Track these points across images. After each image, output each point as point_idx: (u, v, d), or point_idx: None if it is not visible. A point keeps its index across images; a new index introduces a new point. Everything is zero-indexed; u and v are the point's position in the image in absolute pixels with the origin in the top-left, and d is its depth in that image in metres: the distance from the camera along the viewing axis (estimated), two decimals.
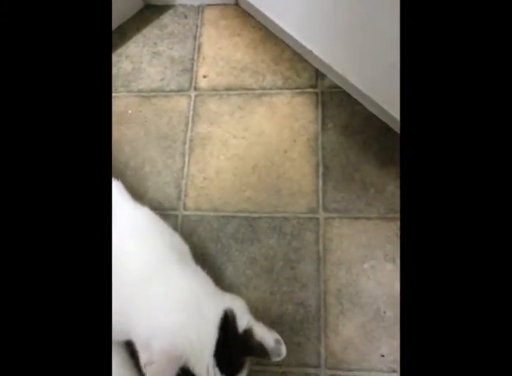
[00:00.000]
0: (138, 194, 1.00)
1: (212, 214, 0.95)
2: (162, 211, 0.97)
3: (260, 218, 0.93)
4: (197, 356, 0.63)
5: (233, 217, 0.94)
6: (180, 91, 1.08)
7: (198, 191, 0.98)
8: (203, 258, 0.91)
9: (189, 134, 1.04)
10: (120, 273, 0.68)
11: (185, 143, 1.03)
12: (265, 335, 0.68)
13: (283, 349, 0.68)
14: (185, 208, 0.97)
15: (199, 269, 0.76)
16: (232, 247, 0.91)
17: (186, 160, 1.02)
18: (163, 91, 1.09)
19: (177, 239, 0.79)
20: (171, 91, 1.09)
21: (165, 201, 0.98)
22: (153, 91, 1.09)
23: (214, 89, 1.07)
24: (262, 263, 0.89)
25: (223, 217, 0.94)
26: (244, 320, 0.68)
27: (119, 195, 0.79)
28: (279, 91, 1.05)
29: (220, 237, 0.92)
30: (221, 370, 0.65)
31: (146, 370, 0.62)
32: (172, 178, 1.00)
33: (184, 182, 1.00)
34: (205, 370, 0.64)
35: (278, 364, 0.81)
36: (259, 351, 0.68)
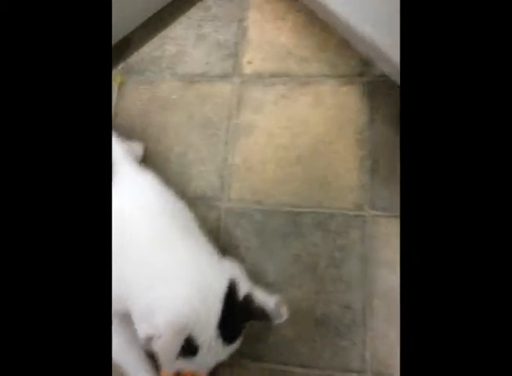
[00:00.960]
0: (182, 181, 0.91)
1: (256, 206, 0.85)
2: (206, 200, 0.89)
3: (304, 213, 0.82)
4: (202, 328, 0.58)
5: (277, 211, 0.84)
6: (224, 76, 0.97)
7: (242, 182, 0.88)
8: (247, 252, 0.83)
9: (232, 122, 0.93)
10: (121, 242, 0.61)
11: (228, 131, 0.92)
12: (265, 298, 0.64)
13: (284, 311, 0.64)
14: (228, 199, 0.88)
15: (201, 238, 0.69)
16: (275, 242, 0.82)
17: (230, 149, 0.91)
18: (207, 76, 0.98)
19: (182, 207, 0.71)
20: (215, 76, 0.97)
21: (209, 191, 0.89)
22: (197, 75, 0.98)
23: (258, 76, 0.95)
24: (306, 260, 0.79)
25: (266, 210, 0.84)
26: (244, 286, 0.63)
27: (123, 158, 0.71)
28: (325, 79, 0.91)
29: (263, 231, 0.83)
30: (224, 338, 0.60)
31: (153, 343, 0.56)
32: (216, 168, 0.91)
33: (227, 172, 0.90)
34: (208, 340, 0.59)
35: (321, 368, 0.73)
36: (260, 315, 0.64)
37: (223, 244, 0.84)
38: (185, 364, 0.61)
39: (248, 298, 0.63)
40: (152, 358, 0.69)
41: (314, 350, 0.74)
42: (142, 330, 0.59)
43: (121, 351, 0.68)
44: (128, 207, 0.66)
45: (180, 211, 0.71)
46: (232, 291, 0.61)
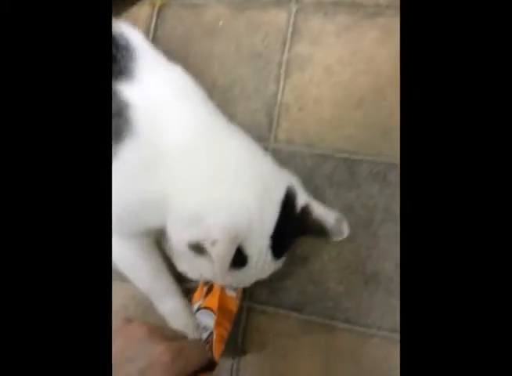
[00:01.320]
0: (226, 118, 0.84)
1: (306, 150, 0.78)
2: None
3: (361, 161, 0.75)
4: (254, 237, 0.53)
5: (330, 156, 0.76)
6: (279, 3, 0.86)
7: (292, 122, 0.80)
8: None
9: (286, 55, 0.84)
10: (155, 142, 0.55)
11: (280, 65, 0.83)
12: (325, 212, 0.59)
13: (345, 227, 0.60)
14: (275, 140, 0.80)
15: (252, 141, 0.63)
16: (326, 190, 0.75)
17: (281, 85, 0.83)
18: (259, 2, 0.87)
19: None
20: (269, 2, 0.87)
21: (254, 130, 0.81)
22: (247, 1, 0.88)
23: (318, 3, 0.84)
24: (360, 213, 0.72)
25: (318, 155, 0.77)
26: (303, 197, 0.58)
27: (147, 52, 0.63)
28: (397, 11, 0.80)
29: (313, 178, 0.76)
30: (274, 250, 0.56)
31: (209, 249, 0.50)
32: (264, 105, 0.83)
33: (277, 110, 0.82)
34: (258, 251, 0.54)
35: (368, 326, 0.68)
36: (317, 229, 0.59)
37: None
38: (229, 277, 0.56)
39: (306, 210, 0.58)
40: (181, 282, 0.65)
41: (361, 307, 0.69)
42: (192, 235, 0.52)
43: (150, 278, 0.63)
44: (162, 99, 0.58)
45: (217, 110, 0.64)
46: (289, 200, 0.56)
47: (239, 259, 0.53)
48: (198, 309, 0.61)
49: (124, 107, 0.54)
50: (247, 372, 0.70)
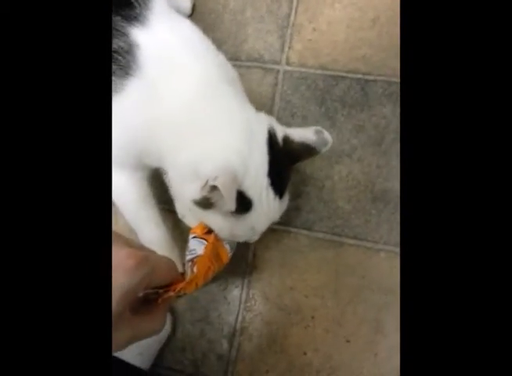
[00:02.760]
0: (236, 42, 0.83)
1: (319, 72, 0.78)
2: (262, 63, 0.81)
3: (375, 81, 0.74)
4: (252, 178, 0.55)
5: (343, 77, 0.76)
6: None
7: (305, 44, 0.80)
8: (304, 121, 0.77)
9: None
10: (159, 86, 0.57)
11: None
12: (303, 133, 0.59)
13: (327, 136, 0.59)
14: (288, 63, 0.80)
15: (241, 90, 0.64)
16: (338, 111, 0.75)
17: (294, 5, 0.81)
18: None
19: (223, 59, 0.64)
20: None
21: (266, 53, 0.81)
22: None
23: None
24: (371, 133, 0.73)
25: (331, 76, 0.77)
26: (280, 131, 0.59)
27: (162, 5, 0.63)
28: None
29: (325, 99, 0.76)
30: (274, 187, 0.57)
31: (212, 183, 0.51)
32: (276, 27, 0.82)
33: (289, 31, 0.81)
34: (259, 191, 0.56)
35: (375, 241, 0.71)
36: (305, 151, 0.59)
37: (278, 110, 0.78)
38: (240, 227, 0.58)
39: (287, 139, 0.59)
40: None
41: (369, 223, 0.71)
42: (195, 191, 0.54)
43: (136, 207, 0.66)
44: (170, 47, 0.59)
45: (223, 61, 0.64)
46: (272, 138, 0.58)
47: (244, 203, 0.55)
48: (194, 237, 0.60)
49: (133, 47, 0.57)
50: (258, 286, 0.73)
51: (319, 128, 0.59)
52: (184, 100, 0.57)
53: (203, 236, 0.58)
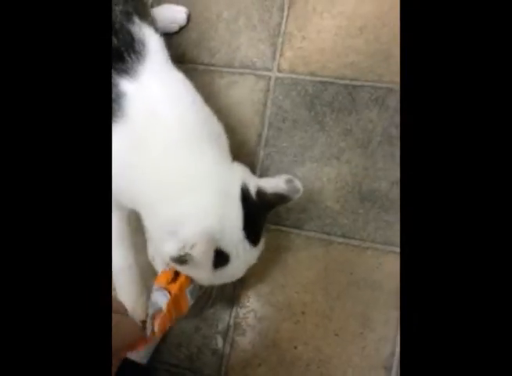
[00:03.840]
0: (229, 50, 0.87)
1: (308, 78, 0.82)
2: (254, 70, 0.85)
3: (362, 86, 0.78)
4: (228, 234, 0.59)
5: (331, 83, 0.80)
6: None
7: (295, 51, 0.84)
8: (295, 125, 0.81)
9: None
10: (142, 136, 0.60)
11: None
12: (273, 183, 0.63)
13: (297, 184, 0.62)
14: (279, 70, 0.84)
15: (224, 143, 0.67)
16: (327, 115, 0.79)
17: (285, 15, 0.85)
18: None
19: (208, 113, 0.68)
20: None
21: (258, 60, 0.85)
22: None
23: None
24: (358, 136, 0.77)
25: (320, 82, 0.81)
26: (253, 183, 0.62)
27: (158, 56, 0.67)
28: None
29: (315, 104, 0.80)
30: (250, 239, 0.62)
31: (189, 252, 0.56)
32: (268, 35, 0.86)
33: (280, 40, 0.85)
34: (235, 245, 0.60)
35: (362, 239, 0.74)
36: (278, 200, 0.63)
37: (270, 116, 0.82)
38: (219, 277, 0.62)
39: (260, 192, 0.62)
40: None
41: (357, 222, 0.74)
42: (173, 249, 0.57)
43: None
44: (155, 104, 0.62)
45: (209, 117, 0.68)
46: (245, 192, 0.61)
47: (222, 259, 0.59)
48: (157, 289, 0.62)
49: (121, 96, 0.60)
50: (251, 283, 0.76)
51: (290, 177, 0.62)
52: (163, 155, 0.60)
53: (167, 287, 0.61)
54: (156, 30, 0.70)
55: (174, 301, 0.61)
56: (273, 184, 0.63)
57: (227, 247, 0.59)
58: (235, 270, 0.63)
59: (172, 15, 0.89)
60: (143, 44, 0.65)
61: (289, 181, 0.62)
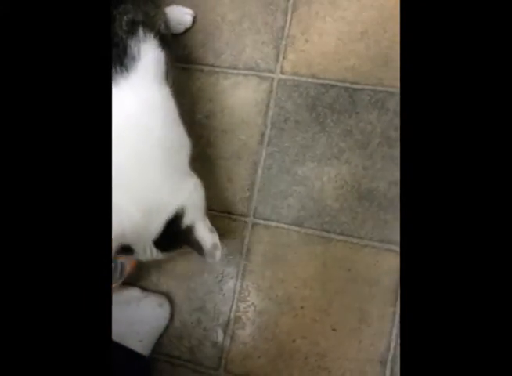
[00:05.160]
0: (233, 52, 0.90)
1: (310, 80, 0.85)
2: (258, 71, 0.88)
3: (362, 89, 0.82)
4: (139, 239, 0.64)
5: (333, 86, 0.83)
6: None
7: (298, 54, 0.87)
8: (297, 126, 0.84)
9: None
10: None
11: (288, 0, 0.89)
12: (205, 236, 0.66)
13: (218, 255, 0.66)
14: (282, 71, 0.87)
15: (184, 163, 0.70)
16: (327, 117, 0.82)
17: (288, 18, 0.89)
18: None
19: (181, 133, 0.71)
20: None
21: (262, 62, 0.88)
22: None
23: None
24: (358, 137, 0.80)
25: (322, 85, 0.84)
26: (190, 217, 0.66)
27: (146, 69, 0.69)
28: None
29: (316, 106, 0.83)
30: (158, 248, 0.67)
31: None
32: (271, 38, 0.89)
33: (283, 43, 0.88)
34: (143, 248, 0.65)
35: (360, 237, 0.77)
36: (195, 247, 0.67)
37: (273, 116, 0.85)
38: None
39: (189, 230, 0.66)
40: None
41: (355, 221, 0.77)
42: None
43: None
44: (132, 113, 0.66)
45: (181, 133, 0.70)
46: (176, 219, 0.65)
47: (129, 250, 0.65)
48: None
49: None
50: (251, 278, 0.79)
51: (217, 243, 0.66)
52: (120, 157, 0.60)
53: None
54: (161, 41, 0.71)
55: None
56: (203, 235, 0.66)
57: (135, 247, 0.65)
58: (144, 258, 0.68)
59: (179, 16, 0.92)
60: (134, 60, 0.67)
61: (214, 246, 0.66)
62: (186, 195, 0.67)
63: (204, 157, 0.85)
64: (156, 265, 0.79)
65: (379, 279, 0.75)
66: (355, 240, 0.77)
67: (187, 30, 0.92)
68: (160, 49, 0.70)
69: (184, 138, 0.71)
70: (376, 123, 0.79)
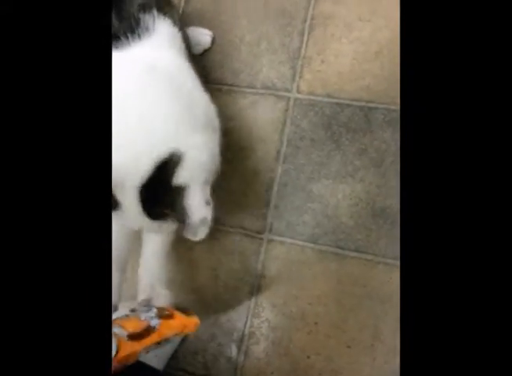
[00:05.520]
0: (251, 72, 0.93)
1: (326, 99, 0.87)
2: (275, 91, 0.90)
3: (376, 108, 0.83)
4: (125, 185, 0.55)
5: (348, 105, 0.85)
6: None
7: (314, 74, 0.89)
8: (312, 144, 0.86)
9: (310, 12, 0.92)
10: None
11: (305, 22, 0.92)
12: (196, 206, 0.55)
13: (203, 232, 0.57)
14: (298, 91, 0.89)
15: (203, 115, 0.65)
16: (342, 135, 0.84)
17: (305, 39, 0.91)
18: None
19: (203, 95, 0.69)
20: None
21: (278, 82, 0.91)
22: None
23: None
24: (372, 156, 0.82)
25: (337, 104, 0.86)
26: (186, 174, 0.55)
27: (161, 37, 0.68)
28: None
29: (331, 125, 0.85)
30: (142, 205, 0.56)
31: None
32: (288, 58, 0.92)
33: (300, 63, 0.91)
34: (128, 200, 0.56)
35: (375, 254, 0.78)
36: (180, 216, 0.56)
37: (289, 134, 0.87)
38: (122, 219, 0.59)
39: (179, 191, 0.55)
40: None
41: (369, 238, 0.78)
42: None
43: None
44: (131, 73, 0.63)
45: (199, 94, 0.68)
46: (168, 165, 0.55)
47: (114, 203, 0.56)
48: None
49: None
50: (266, 294, 0.80)
51: (207, 219, 0.57)
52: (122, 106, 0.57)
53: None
54: (177, 24, 0.72)
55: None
56: (193, 205, 0.56)
57: (119, 196, 0.56)
58: (128, 219, 0.60)
59: (198, 37, 0.96)
60: (147, 29, 0.66)
61: (203, 221, 0.57)
62: (189, 143, 0.58)
63: (221, 172, 0.87)
64: (172, 280, 0.81)
65: (392, 296, 0.75)
66: (369, 257, 0.78)
67: (206, 51, 0.95)
68: (175, 28, 0.71)
69: (206, 100, 0.68)
70: (391, 141, 0.81)
